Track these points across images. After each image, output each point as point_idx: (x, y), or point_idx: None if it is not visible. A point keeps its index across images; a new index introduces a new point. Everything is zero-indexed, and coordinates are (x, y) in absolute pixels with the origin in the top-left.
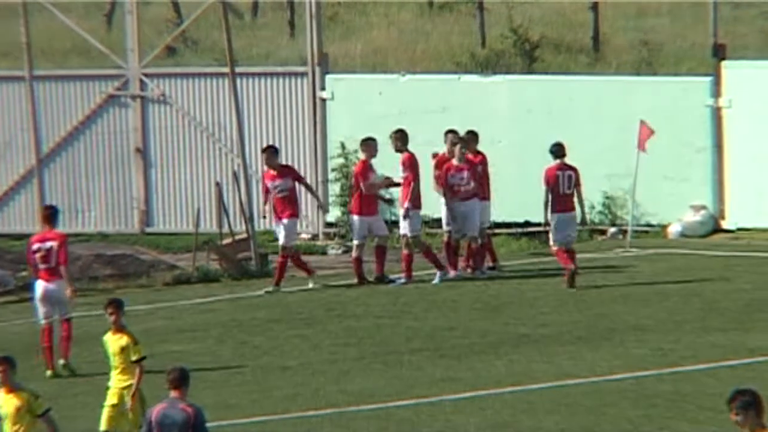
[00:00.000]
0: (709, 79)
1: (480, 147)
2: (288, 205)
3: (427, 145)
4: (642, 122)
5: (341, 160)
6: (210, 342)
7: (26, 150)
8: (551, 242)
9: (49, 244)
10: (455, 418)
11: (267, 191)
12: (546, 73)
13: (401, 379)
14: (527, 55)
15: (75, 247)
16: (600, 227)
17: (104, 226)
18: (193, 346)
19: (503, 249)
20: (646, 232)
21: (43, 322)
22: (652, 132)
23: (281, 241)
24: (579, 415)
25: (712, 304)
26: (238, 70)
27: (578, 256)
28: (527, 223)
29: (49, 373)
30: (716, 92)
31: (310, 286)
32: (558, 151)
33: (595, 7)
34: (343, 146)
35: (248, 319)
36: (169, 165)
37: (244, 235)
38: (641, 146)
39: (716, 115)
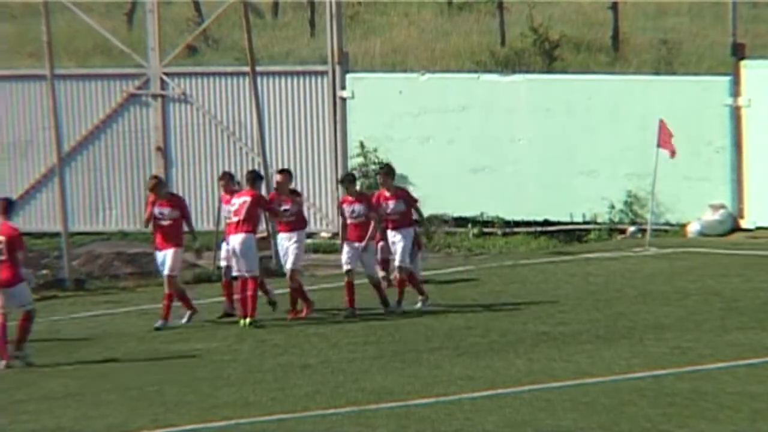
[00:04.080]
0: (728, 78)
1: (500, 145)
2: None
3: (448, 144)
4: (661, 122)
5: (360, 159)
6: (230, 340)
7: (47, 148)
8: None
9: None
10: (474, 416)
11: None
12: (565, 72)
13: (420, 377)
14: (547, 54)
15: (96, 245)
16: (619, 226)
17: (125, 224)
18: (213, 345)
19: (522, 247)
20: (666, 231)
21: None
22: (670, 133)
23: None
24: (598, 413)
25: (731, 302)
26: (258, 69)
27: (598, 254)
28: (546, 222)
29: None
30: (735, 91)
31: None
32: None
33: (614, 7)
34: (362, 145)
35: (268, 318)
36: (189, 164)
37: (264, 234)
38: (668, 147)
39: (735, 114)
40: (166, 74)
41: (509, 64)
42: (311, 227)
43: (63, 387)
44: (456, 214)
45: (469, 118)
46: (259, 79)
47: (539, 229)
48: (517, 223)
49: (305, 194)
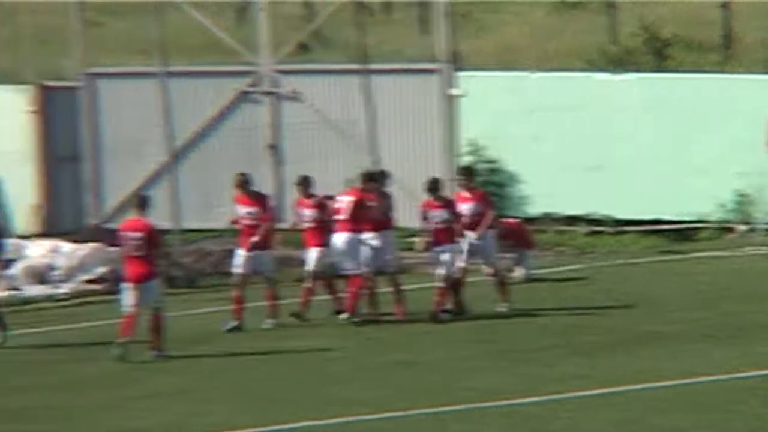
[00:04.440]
0: None
1: (610, 144)
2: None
3: (559, 143)
4: None
5: (471, 158)
6: (338, 338)
7: (160, 146)
8: None
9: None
10: (583, 415)
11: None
12: (676, 71)
13: (529, 376)
14: (658, 53)
15: (207, 242)
16: (729, 225)
17: None
18: (321, 342)
19: (633, 246)
20: None
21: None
22: None
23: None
24: (707, 412)
25: None
26: (369, 66)
27: (707, 253)
28: (656, 221)
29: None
30: None
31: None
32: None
33: (725, 6)
34: (472, 143)
35: (376, 315)
36: (300, 161)
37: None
38: None
39: None
40: (278, 72)
41: (620, 62)
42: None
43: (173, 384)
44: (567, 213)
45: (580, 116)
46: (370, 77)
47: (649, 227)
48: (628, 222)
49: (415, 192)
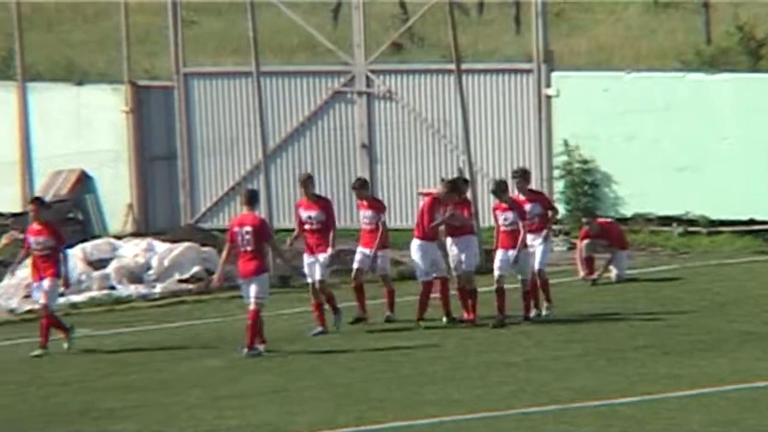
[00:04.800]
0: None
1: (704, 144)
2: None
3: (653, 143)
4: None
5: (565, 157)
6: (434, 338)
7: (253, 145)
8: None
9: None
10: (679, 415)
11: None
12: None
13: (625, 376)
14: (752, 53)
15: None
16: None
17: None
18: (418, 342)
19: (727, 247)
20: None
21: None
22: None
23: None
24: None
25: None
26: (463, 66)
27: None
28: (751, 221)
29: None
30: None
31: None
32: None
33: None
34: (566, 143)
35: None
36: (394, 161)
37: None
38: None
39: None
40: (372, 71)
41: (714, 62)
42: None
43: (267, 383)
44: (660, 213)
45: (674, 117)
46: (464, 77)
47: (744, 228)
48: (722, 222)
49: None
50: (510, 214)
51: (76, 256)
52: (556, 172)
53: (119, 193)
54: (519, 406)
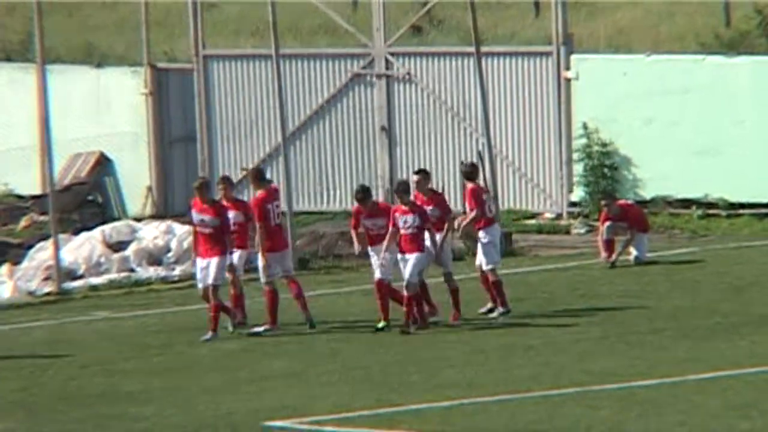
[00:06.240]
0: None
1: (724, 127)
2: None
3: (672, 126)
4: None
5: (584, 140)
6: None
7: (272, 128)
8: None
9: None
10: (697, 398)
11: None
12: None
13: (644, 359)
14: None
15: (320, 225)
16: None
17: (349, 204)
18: (437, 328)
19: (747, 230)
20: None
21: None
22: None
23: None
24: None
25: None
26: (483, 49)
27: None
28: None
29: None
30: None
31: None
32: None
33: None
34: (585, 126)
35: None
36: (413, 144)
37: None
38: None
39: None
40: (391, 54)
41: (734, 45)
42: (536, 208)
43: (287, 366)
44: (680, 196)
45: (693, 100)
46: (483, 60)
47: (764, 210)
48: (742, 205)
49: (528, 174)
50: (409, 217)
51: (95, 239)
52: (576, 155)
53: (138, 175)
54: (538, 389)
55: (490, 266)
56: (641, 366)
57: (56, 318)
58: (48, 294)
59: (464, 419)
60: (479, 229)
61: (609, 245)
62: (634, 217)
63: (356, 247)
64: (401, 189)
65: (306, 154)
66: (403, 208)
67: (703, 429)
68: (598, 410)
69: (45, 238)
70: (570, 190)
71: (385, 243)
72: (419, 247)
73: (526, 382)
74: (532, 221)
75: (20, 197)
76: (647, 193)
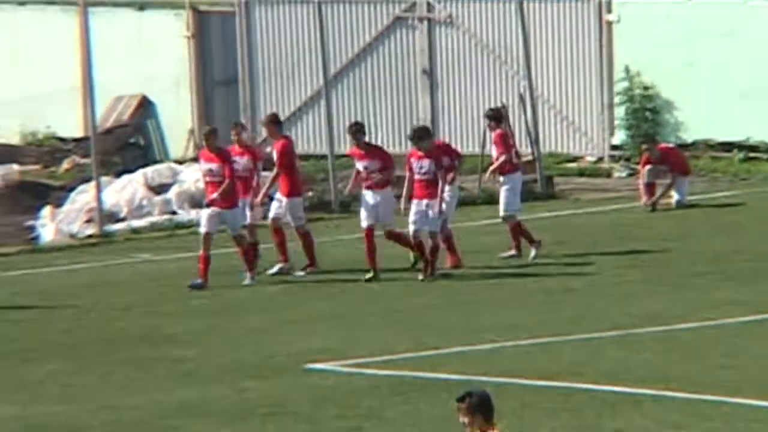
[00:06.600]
0: None
1: (765, 71)
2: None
3: (714, 69)
4: None
5: (626, 84)
6: (492, 263)
7: (314, 71)
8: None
9: None
10: (739, 341)
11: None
12: None
13: (686, 301)
14: None
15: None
16: None
17: (391, 146)
18: (477, 271)
19: None
20: None
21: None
22: None
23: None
24: None
25: None
26: None
27: None
28: None
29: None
30: None
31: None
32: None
33: None
34: (627, 70)
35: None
36: (455, 87)
37: (530, 158)
38: None
39: None
40: None
41: None
42: (577, 151)
43: (329, 309)
44: (721, 139)
45: (736, 43)
46: (525, 2)
47: None
48: None
49: (570, 118)
50: (426, 163)
51: (137, 181)
52: (617, 99)
53: (180, 118)
54: (579, 331)
55: (508, 212)
56: (683, 308)
57: (98, 260)
58: (90, 236)
59: (505, 362)
60: (502, 174)
61: (650, 189)
62: (675, 161)
63: (348, 188)
64: (418, 135)
65: (347, 98)
66: (419, 153)
67: (745, 372)
68: (640, 353)
69: (87, 180)
70: (611, 134)
71: (404, 191)
72: (434, 193)
73: (566, 325)
74: (574, 164)
75: (62, 140)
76: (688, 137)
